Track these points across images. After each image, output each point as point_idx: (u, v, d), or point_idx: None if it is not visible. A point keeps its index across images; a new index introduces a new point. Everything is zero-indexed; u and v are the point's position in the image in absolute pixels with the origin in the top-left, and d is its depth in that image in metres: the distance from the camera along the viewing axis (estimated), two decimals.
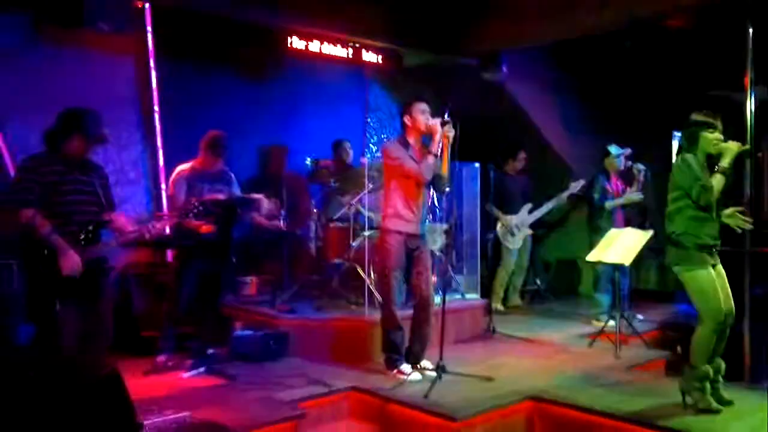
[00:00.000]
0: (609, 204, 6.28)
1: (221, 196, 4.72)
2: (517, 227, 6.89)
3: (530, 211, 6.96)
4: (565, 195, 6.79)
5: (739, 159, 3.90)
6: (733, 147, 3.76)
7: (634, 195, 6.29)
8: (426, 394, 4.05)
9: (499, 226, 6.82)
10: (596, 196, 6.33)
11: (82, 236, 3.54)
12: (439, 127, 4.40)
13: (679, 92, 8.58)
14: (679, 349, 5.55)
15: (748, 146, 3.99)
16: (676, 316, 6.65)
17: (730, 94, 8.51)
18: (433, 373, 4.35)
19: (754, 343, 4.65)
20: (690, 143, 3.85)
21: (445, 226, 5.89)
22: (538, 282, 7.95)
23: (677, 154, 3.97)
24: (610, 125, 7.81)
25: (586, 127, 8.01)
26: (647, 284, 7.86)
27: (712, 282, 3.72)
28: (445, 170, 4.46)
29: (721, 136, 3.84)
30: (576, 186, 6.75)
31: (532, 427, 4.10)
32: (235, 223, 4.60)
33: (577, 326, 6.29)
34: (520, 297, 7.34)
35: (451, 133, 4.41)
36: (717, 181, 3.70)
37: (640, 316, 6.32)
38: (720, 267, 3.83)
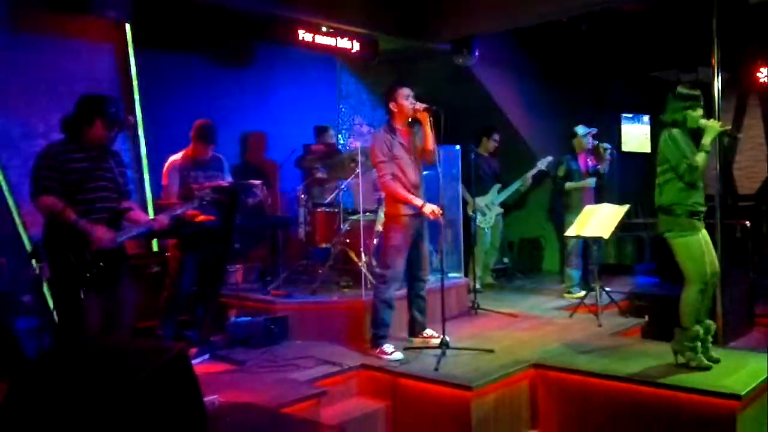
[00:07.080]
0: (569, 185, 6.60)
1: (224, 183, 4.73)
2: (487, 207, 7.12)
3: (499, 191, 7.22)
4: (532, 173, 7.04)
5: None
6: (714, 126, 4.01)
7: (587, 181, 6.63)
8: (436, 367, 4.22)
9: (468, 206, 7.04)
10: (560, 174, 6.65)
11: (105, 223, 3.53)
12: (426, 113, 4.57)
13: (626, 74, 9.04)
14: (647, 317, 5.95)
15: (728, 127, 4.28)
16: (639, 287, 7.07)
17: (675, 75, 9.09)
18: (436, 342, 4.60)
19: (726, 307, 5.05)
20: (675, 118, 4.04)
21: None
22: (506, 260, 8.25)
23: (661, 128, 4.14)
24: (570, 107, 8.13)
25: (548, 110, 8.31)
26: (607, 258, 8.26)
27: (701, 247, 4.00)
28: (430, 145, 4.63)
29: (702, 112, 4.10)
30: (543, 162, 7.01)
31: (535, 392, 4.35)
32: (237, 209, 4.62)
33: (551, 300, 6.62)
34: (491, 275, 7.61)
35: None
36: (702, 159, 3.94)
37: (607, 288, 6.67)
38: (705, 231, 4.09)
